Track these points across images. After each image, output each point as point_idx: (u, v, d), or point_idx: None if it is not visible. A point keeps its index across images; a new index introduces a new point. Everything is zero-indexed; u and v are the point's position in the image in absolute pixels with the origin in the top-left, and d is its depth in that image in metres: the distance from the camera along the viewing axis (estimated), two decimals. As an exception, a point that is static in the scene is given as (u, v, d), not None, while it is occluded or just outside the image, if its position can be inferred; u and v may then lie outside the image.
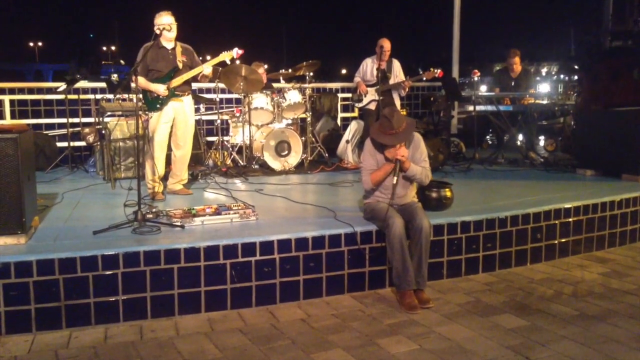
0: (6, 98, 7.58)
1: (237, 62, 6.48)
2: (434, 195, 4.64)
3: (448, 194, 4.70)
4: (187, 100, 5.52)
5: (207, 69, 5.40)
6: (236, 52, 5.50)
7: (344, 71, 52.19)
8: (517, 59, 8.01)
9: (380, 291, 4.13)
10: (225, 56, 5.47)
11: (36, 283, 3.46)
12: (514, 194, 5.47)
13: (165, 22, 5.16)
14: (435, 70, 7.16)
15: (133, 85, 4.67)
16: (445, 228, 4.38)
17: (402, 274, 3.88)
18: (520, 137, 8.00)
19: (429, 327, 3.52)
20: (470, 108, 7.92)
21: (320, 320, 3.66)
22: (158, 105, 5.28)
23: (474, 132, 7.94)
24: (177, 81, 5.31)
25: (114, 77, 6.27)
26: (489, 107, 7.66)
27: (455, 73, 9.68)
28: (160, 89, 5.24)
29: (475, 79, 8.08)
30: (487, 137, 9.11)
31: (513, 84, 8.03)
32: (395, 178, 3.96)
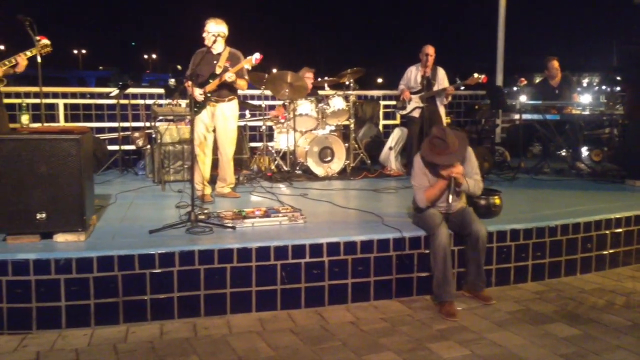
0: (60, 102, 7.86)
1: (252, 63, 6.34)
2: (482, 202, 4.62)
3: (497, 201, 4.67)
4: (228, 106, 5.56)
5: (230, 76, 5.35)
6: (255, 57, 5.45)
7: (379, 80, 52.17)
8: (555, 63, 7.88)
9: (428, 297, 4.13)
10: (246, 62, 5.41)
11: (96, 279, 3.59)
12: (563, 203, 5.40)
13: (218, 31, 5.28)
14: (479, 76, 7.11)
15: (189, 91, 4.79)
16: (495, 236, 4.35)
17: (442, 284, 3.90)
18: (567, 146, 7.88)
19: (480, 333, 3.51)
20: (515, 117, 7.83)
21: (370, 323, 3.69)
22: (196, 109, 5.34)
23: (518, 141, 7.86)
24: (210, 87, 5.39)
25: (172, 82, 6.43)
26: (535, 116, 7.57)
27: (499, 82, 9.60)
28: (197, 94, 5.31)
29: (517, 87, 7.97)
30: (533, 146, 8.99)
31: (556, 92, 7.92)
32: (451, 196, 3.99)
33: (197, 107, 5.34)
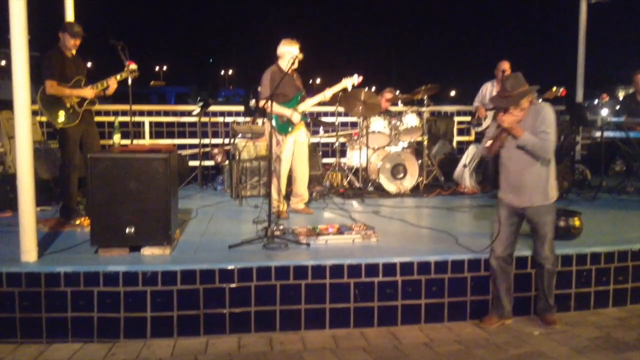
0: (146, 120, 8.31)
1: (354, 83, 6.56)
2: (561, 224, 4.50)
3: (577, 223, 4.54)
4: (304, 125, 5.85)
5: (328, 94, 5.63)
6: (356, 78, 5.65)
7: (452, 93, 51.37)
8: None
9: (504, 320, 4.06)
10: (347, 83, 5.63)
11: (180, 291, 3.78)
12: (648, 225, 5.17)
13: (296, 54, 5.47)
14: (558, 89, 6.92)
15: (268, 110, 4.98)
16: (574, 259, 4.24)
17: (494, 298, 3.96)
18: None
19: (558, 359, 3.42)
20: (596, 134, 7.54)
21: (443, 345, 3.68)
22: (290, 129, 5.59)
23: (600, 159, 7.56)
24: (304, 105, 5.62)
25: (252, 102, 6.69)
26: (617, 134, 7.27)
27: (579, 97, 9.28)
28: (294, 115, 5.55)
29: (602, 102, 7.67)
30: (616, 164, 8.60)
31: (642, 109, 7.56)
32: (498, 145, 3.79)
33: (291, 126, 5.58)
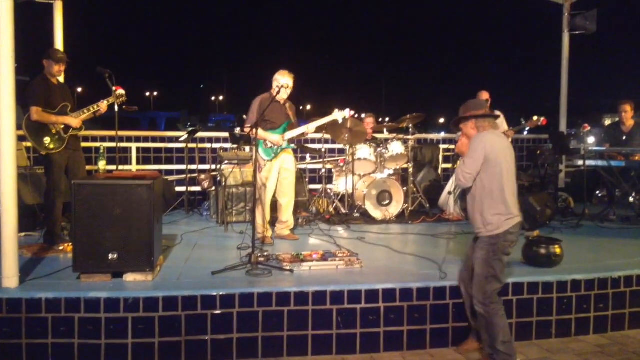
0: (134, 146, 8.33)
1: (345, 117, 6.66)
2: (542, 251, 4.56)
3: (557, 250, 4.60)
4: (292, 152, 5.91)
5: (312, 127, 5.76)
6: (348, 112, 5.81)
7: (441, 120, 51.90)
8: (626, 107, 7.69)
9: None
10: (338, 116, 5.79)
11: (162, 318, 3.77)
12: (628, 253, 5.23)
13: (284, 83, 5.58)
14: (539, 118, 7.05)
15: (252, 136, 5.04)
16: (555, 286, 4.28)
17: (470, 323, 3.95)
18: (634, 194, 7.61)
19: (538, 387, 3.44)
20: (579, 162, 7.66)
21: (425, 372, 3.68)
22: (273, 155, 5.65)
23: (583, 187, 7.66)
24: (291, 133, 5.71)
25: (237, 130, 6.76)
26: (599, 162, 7.40)
27: (562, 126, 9.44)
28: (278, 139, 5.65)
29: (583, 132, 7.81)
30: (597, 193, 8.72)
31: (625, 138, 7.71)
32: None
33: (275, 152, 5.64)
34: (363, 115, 7.99)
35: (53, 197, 5.26)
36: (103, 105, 5.43)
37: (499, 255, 3.59)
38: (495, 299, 3.57)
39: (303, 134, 5.86)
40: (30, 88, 5.19)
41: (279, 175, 5.79)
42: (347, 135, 7.18)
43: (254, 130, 4.86)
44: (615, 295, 4.42)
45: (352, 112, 5.80)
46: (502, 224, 3.56)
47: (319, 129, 6.94)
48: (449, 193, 7.64)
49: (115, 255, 4.01)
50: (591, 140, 7.55)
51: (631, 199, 7.60)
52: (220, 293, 3.84)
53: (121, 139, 8.04)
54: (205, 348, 3.80)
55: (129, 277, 4.06)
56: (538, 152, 8.52)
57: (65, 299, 3.72)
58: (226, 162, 6.84)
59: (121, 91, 5.50)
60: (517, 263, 4.72)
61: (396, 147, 7.51)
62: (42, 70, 5.34)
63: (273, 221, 5.99)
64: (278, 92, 5.49)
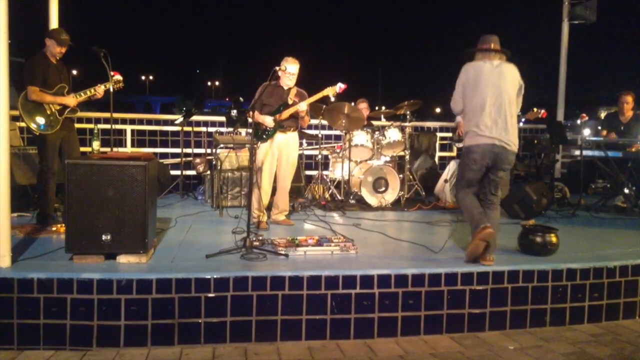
0: (128, 128, 8.27)
1: (333, 99, 6.56)
2: (538, 240, 4.55)
3: (553, 239, 4.58)
4: (292, 137, 5.80)
5: (302, 105, 5.61)
6: (339, 86, 5.63)
7: (438, 110, 51.81)
8: (627, 98, 7.68)
9: (479, 334, 4.07)
10: (329, 91, 5.61)
11: (155, 300, 3.74)
12: (623, 243, 5.24)
13: (289, 71, 5.54)
14: (539, 110, 7.02)
15: (250, 120, 4.99)
16: (550, 274, 4.26)
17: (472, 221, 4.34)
18: (630, 184, 7.61)
19: (532, 374, 3.44)
20: (575, 153, 7.65)
21: (419, 358, 3.67)
22: (264, 137, 5.60)
23: (579, 177, 7.66)
24: (283, 115, 5.62)
25: (234, 112, 6.70)
26: (596, 153, 7.39)
27: (560, 116, 9.42)
28: (268, 120, 5.58)
29: (579, 122, 7.80)
30: (592, 185, 8.73)
31: (622, 128, 7.70)
32: None
33: (265, 134, 5.55)
34: (356, 101, 7.91)
35: (46, 177, 5.21)
36: (100, 90, 5.38)
37: (465, 164, 4.42)
38: (462, 192, 4.48)
39: (297, 113, 5.68)
40: (28, 67, 5.11)
41: (279, 160, 5.74)
42: (344, 121, 7.14)
43: (251, 113, 4.81)
44: (610, 284, 4.41)
45: (344, 86, 5.63)
46: (468, 139, 4.39)
47: (315, 112, 6.91)
48: (445, 181, 7.63)
49: (109, 237, 3.97)
50: (587, 132, 7.53)
51: (626, 190, 7.60)
52: (215, 276, 3.81)
53: (116, 121, 7.97)
54: (199, 331, 3.78)
55: (122, 259, 4.02)
56: (535, 142, 8.51)
57: (57, 279, 3.68)
58: (222, 146, 6.80)
59: (118, 77, 5.44)
60: (512, 251, 4.72)
61: (393, 134, 7.48)
62: (42, 49, 5.25)
63: (269, 206, 5.95)
64: (273, 75, 5.42)
